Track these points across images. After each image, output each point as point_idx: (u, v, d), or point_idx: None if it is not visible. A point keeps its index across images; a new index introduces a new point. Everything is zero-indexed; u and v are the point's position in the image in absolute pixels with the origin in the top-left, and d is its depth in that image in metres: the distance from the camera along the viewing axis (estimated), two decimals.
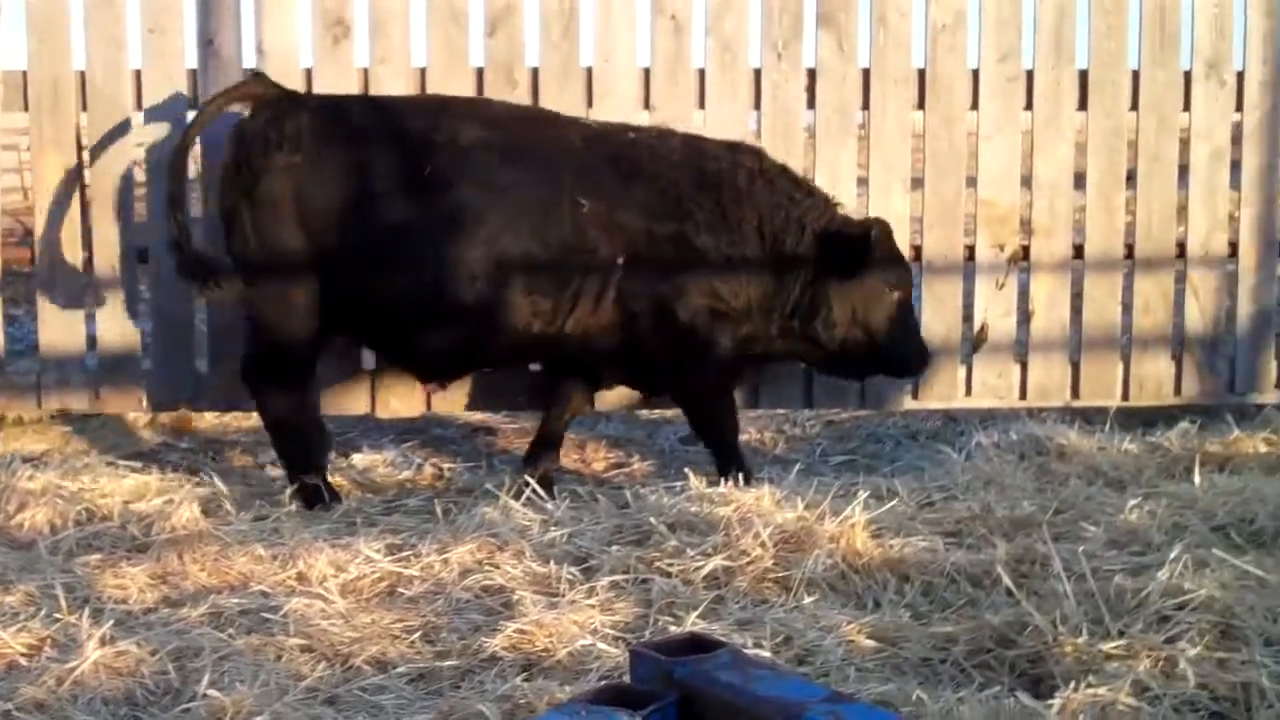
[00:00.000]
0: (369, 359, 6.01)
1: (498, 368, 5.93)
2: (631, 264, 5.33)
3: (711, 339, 5.42)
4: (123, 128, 5.94)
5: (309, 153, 5.23)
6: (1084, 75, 6.31)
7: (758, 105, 6.15)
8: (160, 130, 5.92)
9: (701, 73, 6.13)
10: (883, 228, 5.49)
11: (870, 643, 3.72)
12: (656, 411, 6.54)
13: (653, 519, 4.52)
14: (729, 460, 5.46)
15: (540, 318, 5.31)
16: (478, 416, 6.74)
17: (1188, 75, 6.38)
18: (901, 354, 5.63)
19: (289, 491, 5.32)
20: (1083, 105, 6.31)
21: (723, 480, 5.13)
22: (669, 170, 5.43)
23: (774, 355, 5.75)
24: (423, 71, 5.99)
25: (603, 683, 3.32)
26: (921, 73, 6.22)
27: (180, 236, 5.26)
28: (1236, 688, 3.35)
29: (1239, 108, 6.45)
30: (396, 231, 5.25)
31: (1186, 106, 6.40)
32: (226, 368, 5.83)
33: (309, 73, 5.95)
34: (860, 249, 5.38)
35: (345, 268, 5.26)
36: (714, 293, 5.39)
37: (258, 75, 5.59)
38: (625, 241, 5.33)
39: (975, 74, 6.24)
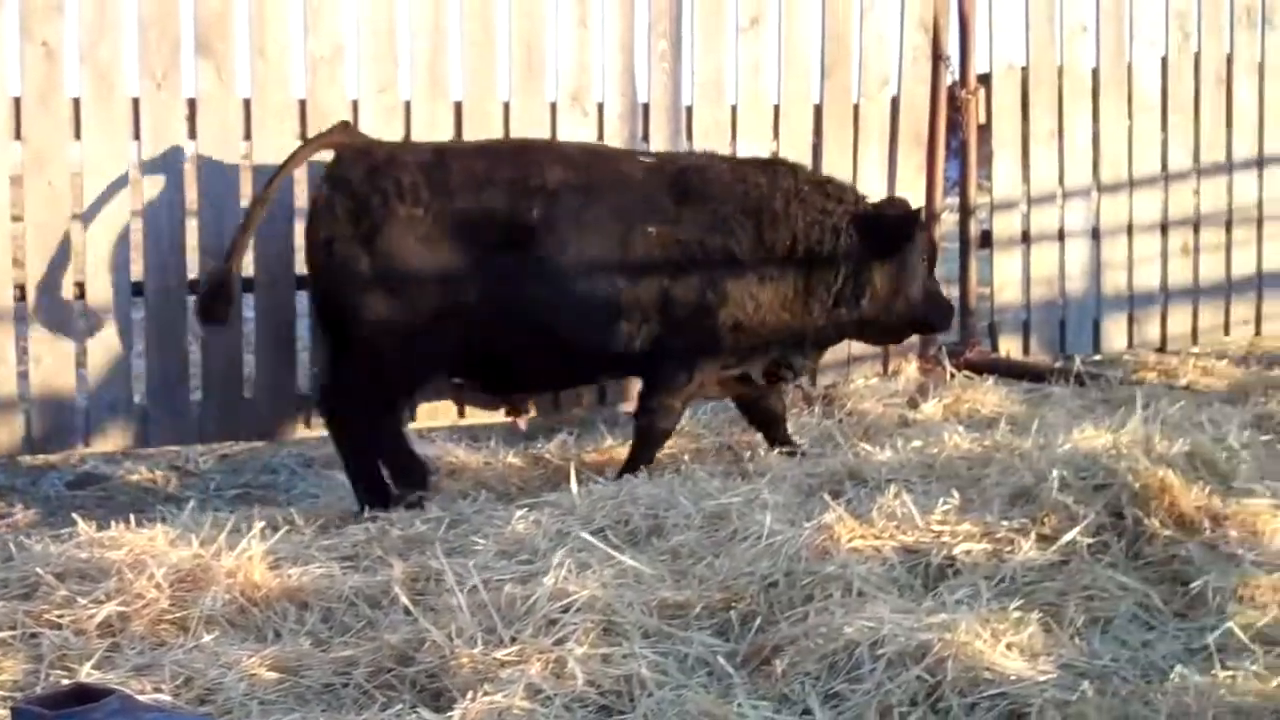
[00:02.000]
0: None
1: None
2: (684, 280, 5.73)
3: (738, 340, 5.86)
4: None
5: (428, 204, 5.47)
6: (459, 106, 6.53)
7: (137, 135, 5.98)
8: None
9: (77, 102, 5.89)
10: (910, 205, 6.14)
11: (272, 674, 3.70)
12: (41, 457, 6.21)
13: (39, 569, 4.28)
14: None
15: (627, 338, 5.72)
16: None
17: (553, 105, 6.74)
18: (934, 311, 6.24)
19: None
20: (458, 134, 6.52)
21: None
22: (719, 194, 5.85)
23: (826, 341, 6.22)
24: None
25: None
26: (303, 104, 6.25)
27: (229, 282, 5.52)
28: (620, 680, 3.57)
29: (600, 137, 6.88)
30: (512, 273, 5.54)
31: (553, 135, 6.75)
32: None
33: None
34: (903, 230, 5.98)
35: (463, 312, 5.50)
36: (754, 302, 5.81)
37: (345, 124, 5.79)
38: (681, 261, 5.73)
39: (355, 105, 6.32)
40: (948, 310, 6.45)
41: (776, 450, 6.05)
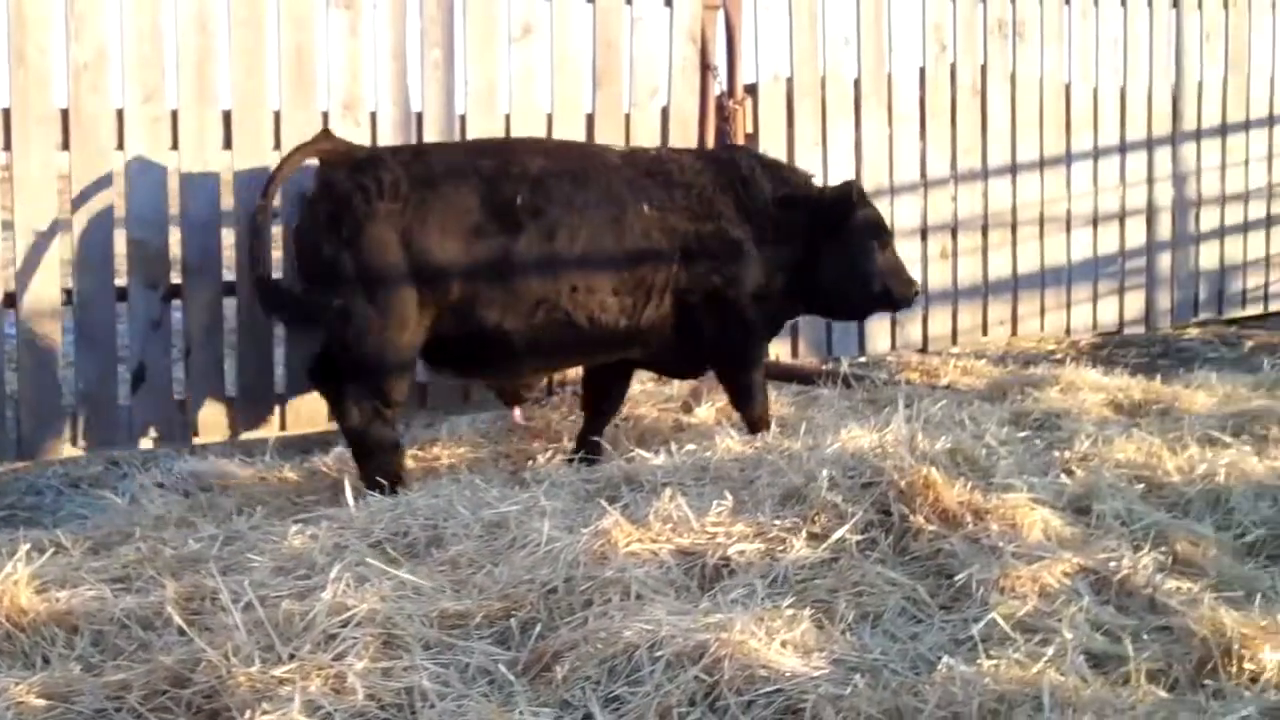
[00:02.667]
0: None
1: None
2: (685, 259, 6.07)
3: (749, 315, 6.25)
4: None
5: (407, 199, 5.68)
6: (228, 115, 6.42)
7: None
8: None
9: None
10: (857, 187, 6.44)
11: (41, 701, 3.59)
12: None
13: None
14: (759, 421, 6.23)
15: (625, 314, 6.00)
16: None
17: (325, 115, 6.67)
18: (893, 290, 6.44)
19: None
20: (228, 145, 6.43)
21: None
22: (696, 177, 6.19)
23: (792, 314, 6.75)
24: None
25: None
26: (65, 112, 6.07)
27: (266, 284, 5.85)
28: (401, 693, 3.57)
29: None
30: (500, 258, 5.79)
31: None
32: None
33: None
34: (843, 208, 6.30)
35: (452, 299, 5.74)
36: (748, 276, 6.18)
37: (327, 132, 6.09)
38: (679, 240, 6.07)
39: (120, 114, 6.17)
40: (908, 285, 6.59)
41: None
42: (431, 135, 6.84)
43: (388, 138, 6.78)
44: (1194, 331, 9.44)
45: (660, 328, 6.14)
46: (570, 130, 7.19)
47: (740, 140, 7.67)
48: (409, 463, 6.04)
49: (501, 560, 4.36)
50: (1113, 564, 4.28)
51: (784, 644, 3.72)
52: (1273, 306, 9.84)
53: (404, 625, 3.87)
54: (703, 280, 6.13)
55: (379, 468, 5.67)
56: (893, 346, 8.44)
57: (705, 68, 7.63)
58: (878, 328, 8.38)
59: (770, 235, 6.27)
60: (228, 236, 6.48)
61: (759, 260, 6.24)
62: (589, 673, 3.64)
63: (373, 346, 5.70)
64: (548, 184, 5.91)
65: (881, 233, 6.49)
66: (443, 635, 3.90)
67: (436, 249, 5.73)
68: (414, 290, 5.70)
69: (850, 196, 6.34)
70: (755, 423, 6.23)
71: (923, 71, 8.47)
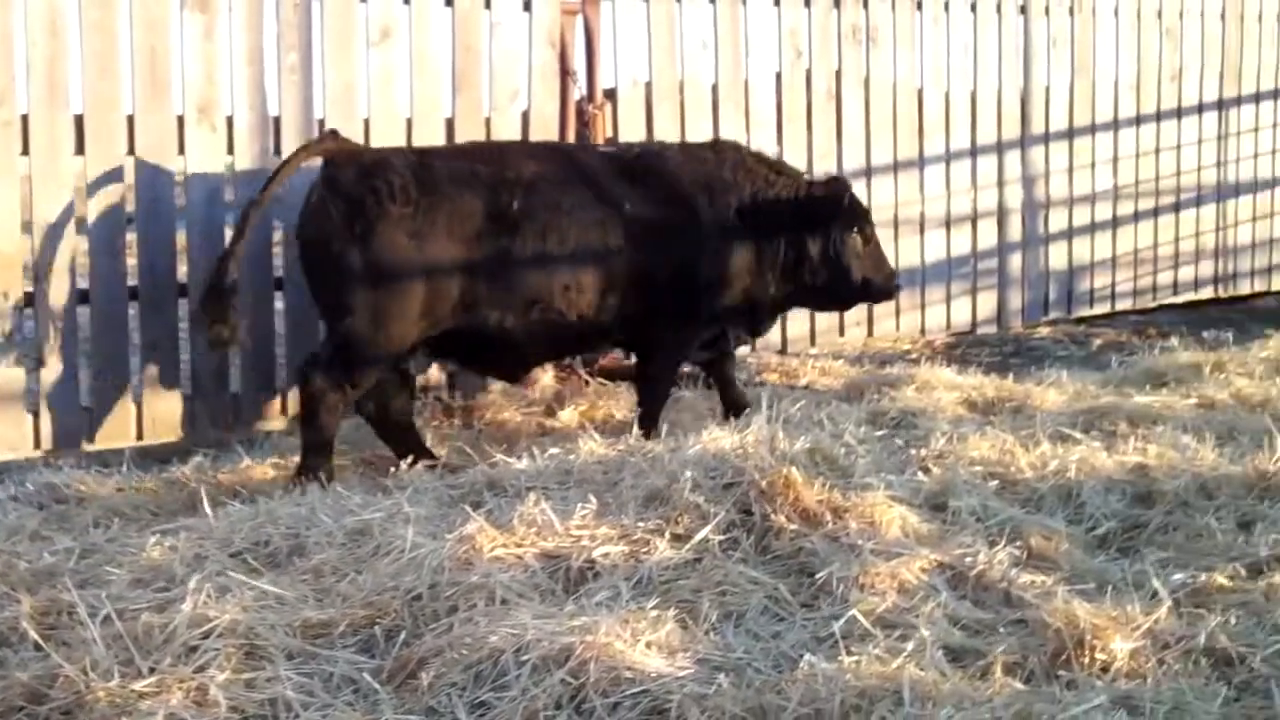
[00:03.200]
0: None
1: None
2: (659, 249, 6.36)
3: (715, 304, 6.59)
4: None
5: (415, 201, 5.93)
6: (80, 119, 6.31)
7: None
8: None
9: None
10: (845, 184, 6.80)
11: None
12: None
13: None
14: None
15: (610, 308, 6.32)
16: None
17: (180, 119, 6.58)
18: (876, 283, 6.80)
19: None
20: (80, 150, 6.31)
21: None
22: (672, 172, 6.53)
23: (779, 304, 6.94)
24: None
25: None
26: None
27: (224, 283, 5.85)
28: (264, 704, 3.55)
29: (230, 150, 6.75)
30: (498, 257, 6.08)
31: (181, 150, 6.60)
32: None
33: None
34: (832, 205, 6.63)
35: (453, 296, 6.01)
36: (723, 266, 6.53)
37: (333, 132, 6.22)
38: (654, 233, 6.35)
39: None
40: (890, 279, 6.95)
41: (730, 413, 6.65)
42: (289, 140, 6.78)
43: (244, 142, 6.72)
44: (1044, 330, 9.67)
45: (637, 314, 6.42)
46: (430, 134, 7.17)
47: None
48: (270, 472, 5.97)
49: (365, 568, 4.33)
50: (969, 559, 4.37)
51: (649, 645, 3.75)
52: (1120, 305, 10.12)
53: (266, 635, 3.85)
54: (683, 270, 6.43)
55: (315, 462, 5.85)
56: (752, 348, 8.52)
57: (565, 72, 7.65)
58: None
59: (758, 228, 6.59)
60: (81, 242, 6.36)
61: (743, 252, 6.57)
62: (455, 679, 3.64)
63: (370, 340, 5.93)
64: (540, 187, 6.18)
65: (866, 228, 6.85)
66: (306, 645, 3.88)
67: (442, 250, 5.96)
68: (419, 288, 5.94)
69: (840, 194, 6.70)
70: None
71: (779, 76, 8.57)
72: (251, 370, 6.85)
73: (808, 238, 6.65)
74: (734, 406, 6.73)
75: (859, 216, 6.81)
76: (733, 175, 6.64)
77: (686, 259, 6.43)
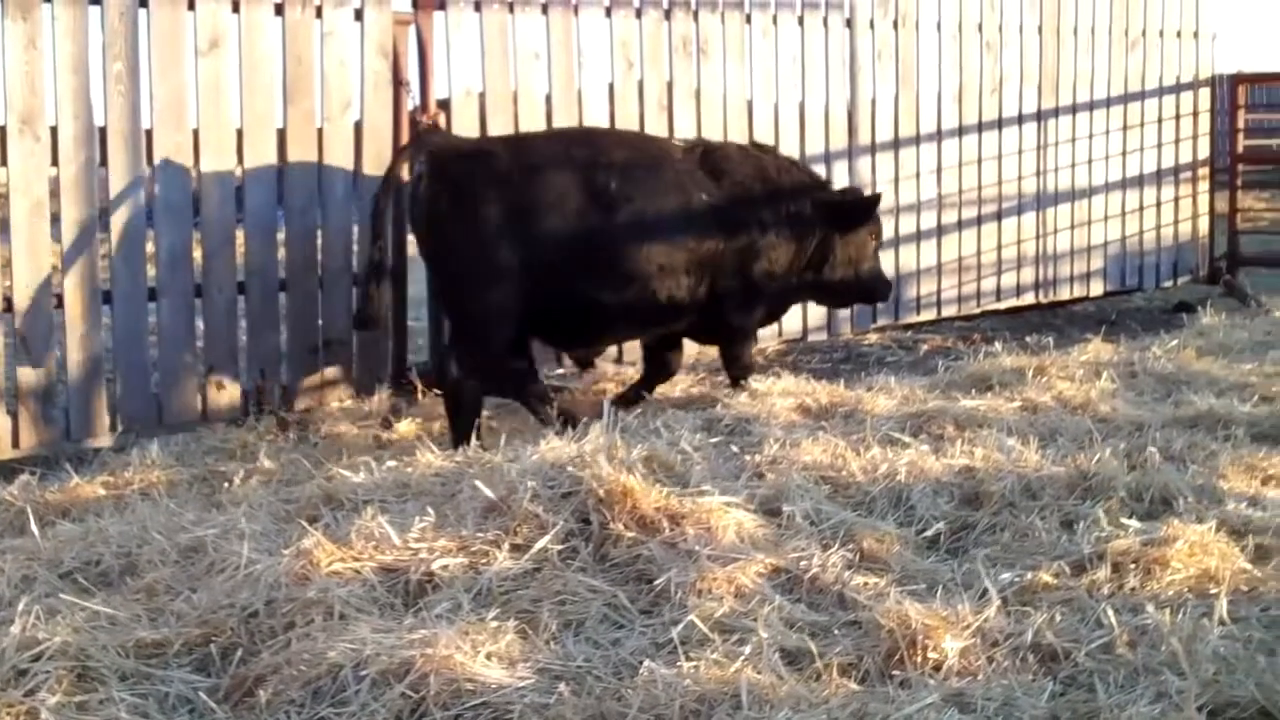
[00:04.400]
0: None
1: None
2: (730, 240, 6.97)
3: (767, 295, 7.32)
4: None
5: (519, 184, 6.54)
6: None
7: None
8: None
9: None
10: (879, 197, 7.89)
11: None
12: None
13: None
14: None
15: (691, 290, 6.94)
16: None
17: (3, 130, 6.42)
18: (880, 287, 7.82)
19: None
20: None
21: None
22: (738, 168, 7.12)
23: (798, 298, 7.84)
24: None
25: None
26: None
27: (377, 275, 6.56)
28: None
29: (55, 162, 6.61)
30: (596, 238, 6.66)
31: (3, 161, 6.44)
32: None
33: None
34: (864, 210, 7.51)
35: (554, 274, 6.58)
36: (776, 258, 7.19)
37: (434, 126, 7.17)
38: (727, 224, 6.96)
39: None
40: (888, 286, 7.96)
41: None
42: (116, 151, 6.66)
43: (69, 153, 6.58)
44: (873, 337, 9.87)
45: (707, 301, 7.05)
46: (262, 146, 7.09)
47: None
48: (100, 490, 5.85)
49: (200, 585, 4.28)
50: (803, 563, 4.44)
51: (489, 656, 3.76)
52: (945, 312, 10.35)
53: (99, 657, 3.78)
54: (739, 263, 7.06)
55: (464, 424, 6.56)
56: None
57: (398, 82, 7.63)
58: None
59: (800, 225, 7.27)
60: None
61: (790, 245, 7.24)
62: (293, 695, 3.61)
63: (484, 319, 6.62)
64: (631, 173, 6.74)
65: (879, 235, 7.79)
66: (140, 665, 3.82)
67: (538, 229, 6.55)
68: (517, 263, 6.53)
69: (874, 201, 7.66)
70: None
71: (611, 87, 8.63)
72: (80, 387, 6.70)
73: (837, 238, 7.40)
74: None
75: (879, 227, 7.78)
76: (788, 175, 7.35)
77: (752, 247, 7.09)
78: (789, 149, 9.27)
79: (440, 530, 4.54)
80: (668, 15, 8.81)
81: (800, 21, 9.45)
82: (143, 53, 6.80)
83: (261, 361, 7.34)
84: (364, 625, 3.91)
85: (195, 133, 6.98)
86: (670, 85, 8.87)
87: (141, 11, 6.80)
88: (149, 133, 6.83)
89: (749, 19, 9.19)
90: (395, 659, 3.65)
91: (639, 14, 8.68)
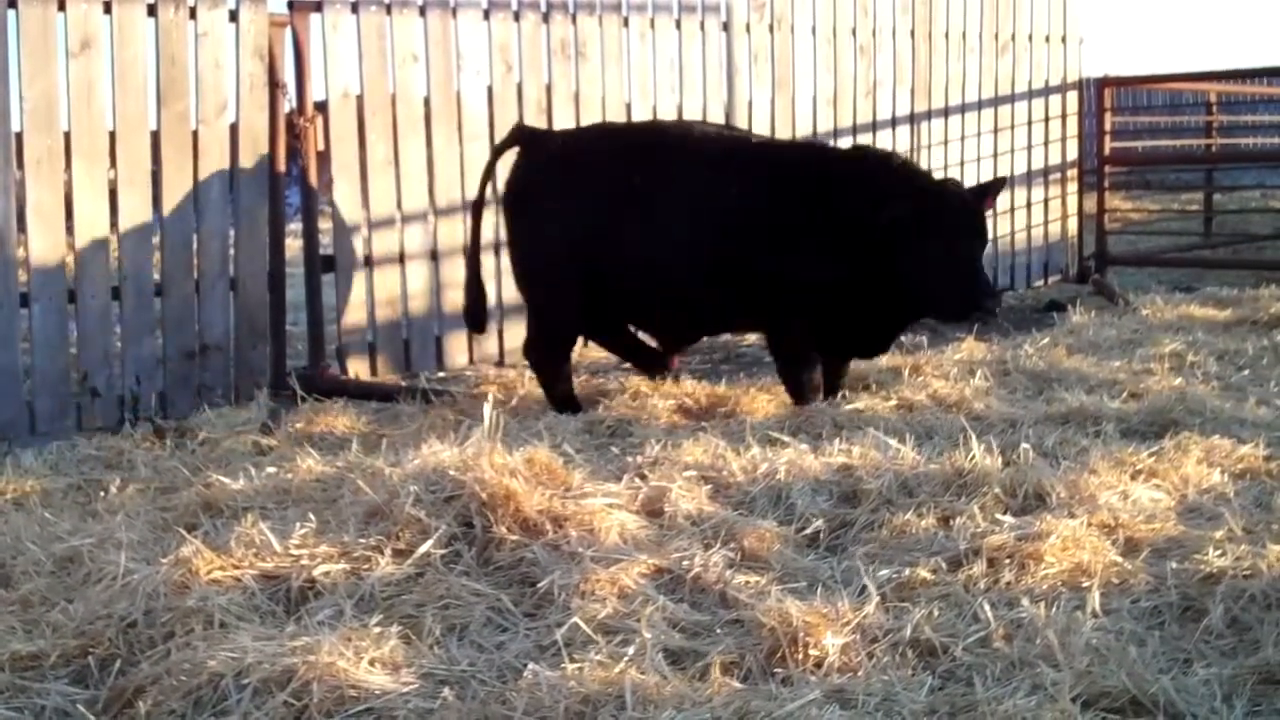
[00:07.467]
0: None
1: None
2: (776, 238, 6.69)
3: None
4: None
5: (604, 173, 6.82)
6: None
7: None
8: None
9: None
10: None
11: None
12: None
13: None
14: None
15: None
16: None
17: None
18: (967, 297, 6.56)
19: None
20: None
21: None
22: (790, 165, 6.95)
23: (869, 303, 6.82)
24: None
25: None
26: None
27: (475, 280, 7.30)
28: None
29: None
30: (664, 227, 6.76)
31: None
32: None
33: None
34: (973, 213, 6.60)
35: (626, 263, 6.83)
36: (823, 259, 6.68)
37: (520, 124, 7.58)
38: (774, 220, 6.72)
39: None
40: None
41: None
42: None
43: None
44: (752, 338, 9.93)
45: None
46: (136, 148, 6.99)
47: (312, 160, 7.64)
48: None
49: (77, 596, 4.22)
50: (685, 563, 4.48)
51: (373, 662, 3.75)
52: None
53: None
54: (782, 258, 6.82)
55: (559, 396, 7.04)
56: (470, 361, 8.56)
57: (274, 85, 7.57)
58: (455, 343, 8.50)
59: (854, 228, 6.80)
60: None
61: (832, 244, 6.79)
62: (173, 706, 3.58)
63: (546, 296, 7.09)
64: (694, 169, 6.79)
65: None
66: (15, 678, 3.77)
67: (600, 220, 6.78)
68: (579, 252, 6.84)
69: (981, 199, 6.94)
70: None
71: (490, 90, 8.63)
72: None
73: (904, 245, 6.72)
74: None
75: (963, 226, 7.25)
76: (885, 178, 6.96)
77: (793, 249, 6.84)
78: None
79: (322, 536, 4.51)
80: (546, 18, 8.82)
81: (678, 25, 9.52)
82: (11, 54, 6.67)
83: (137, 368, 7.25)
84: (245, 633, 3.88)
85: (67, 135, 6.86)
86: (549, 88, 8.89)
87: (10, 12, 6.67)
88: (19, 136, 6.70)
89: (626, 22, 9.23)
90: (277, 667, 3.62)
91: (517, 17, 8.69)
